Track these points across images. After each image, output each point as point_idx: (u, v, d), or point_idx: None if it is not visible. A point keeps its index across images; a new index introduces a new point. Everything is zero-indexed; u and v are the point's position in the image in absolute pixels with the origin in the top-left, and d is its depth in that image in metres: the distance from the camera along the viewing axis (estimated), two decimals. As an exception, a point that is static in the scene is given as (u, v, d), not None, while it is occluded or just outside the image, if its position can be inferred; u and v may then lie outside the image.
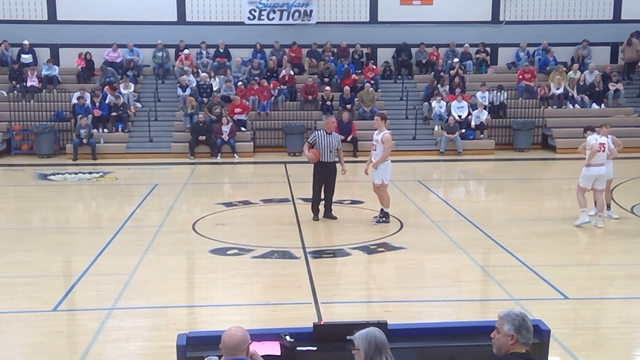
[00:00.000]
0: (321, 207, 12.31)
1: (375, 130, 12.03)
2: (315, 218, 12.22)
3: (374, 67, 23.68)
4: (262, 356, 4.32)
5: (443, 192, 15.88)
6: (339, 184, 12.49)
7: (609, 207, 12.42)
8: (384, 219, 11.93)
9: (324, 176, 12.11)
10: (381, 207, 12.01)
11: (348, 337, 4.08)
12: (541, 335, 4.67)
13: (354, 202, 13.86)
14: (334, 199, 12.44)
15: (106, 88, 21.79)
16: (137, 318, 7.80)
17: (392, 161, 12.13)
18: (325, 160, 12.02)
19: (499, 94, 22.48)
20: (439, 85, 22.67)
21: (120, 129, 21.21)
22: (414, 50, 24.47)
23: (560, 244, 10.84)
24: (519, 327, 3.98)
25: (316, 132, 12.35)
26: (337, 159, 12.19)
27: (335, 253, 10.41)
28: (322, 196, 12.29)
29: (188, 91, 21.99)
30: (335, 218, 12.24)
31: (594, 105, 22.77)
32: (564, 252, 10.42)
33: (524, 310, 6.92)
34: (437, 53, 24.32)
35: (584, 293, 8.60)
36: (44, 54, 23.65)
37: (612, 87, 22.94)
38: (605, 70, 23.46)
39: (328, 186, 12.22)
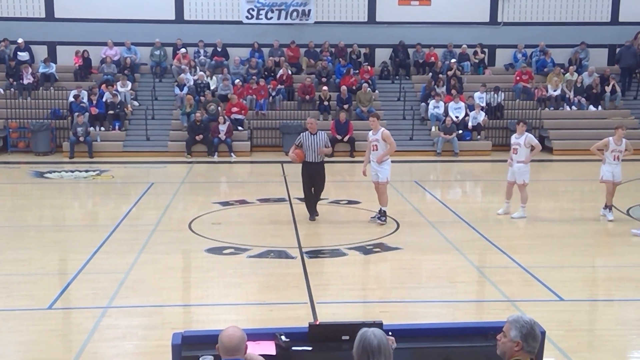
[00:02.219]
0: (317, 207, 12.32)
1: (370, 131, 12.05)
2: (312, 218, 12.23)
3: (369, 68, 23.64)
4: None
5: (440, 193, 15.89)
6: (336, 184, 12.51)
7: (609, 208, 12.57)
8: (381, 219, 11.94)
9: (311, 176, 12.14)
10: (380, 207, 12.02)
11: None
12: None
13: (350, 202, 13.86)
14: (330, 199, 12.44)
15: (103, 86, 21.77)
16: (133, 317, 7.79)
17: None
18: (310, 161, 12.05)
19: (496, 95, 22.51)
20: (436, 86, 22.67)
21: (117, 127, 21.18)
22: (411, 51, 24.46)
23: (556, 246, 10.85)
24: (526, 335, 3.90)
25: (302, 133, 12.41)
26: (324, 159, 12.19)
27: (331, 253, 10.42)
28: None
29: (186, 90, 21.97)
30: (316, 215, 12.20)
31: (591, 107, 22.80)
32: (559, 253, 10.43)
33: (520, 312, 6.95)
34: (435, 54, 24.33)
35: (579, 295, 8.62)
36: (41, 51, 23.61)
37: (609, 86, 22.85)
38: (603, 72, 23.48)
39: (316, 185, 12.26)
